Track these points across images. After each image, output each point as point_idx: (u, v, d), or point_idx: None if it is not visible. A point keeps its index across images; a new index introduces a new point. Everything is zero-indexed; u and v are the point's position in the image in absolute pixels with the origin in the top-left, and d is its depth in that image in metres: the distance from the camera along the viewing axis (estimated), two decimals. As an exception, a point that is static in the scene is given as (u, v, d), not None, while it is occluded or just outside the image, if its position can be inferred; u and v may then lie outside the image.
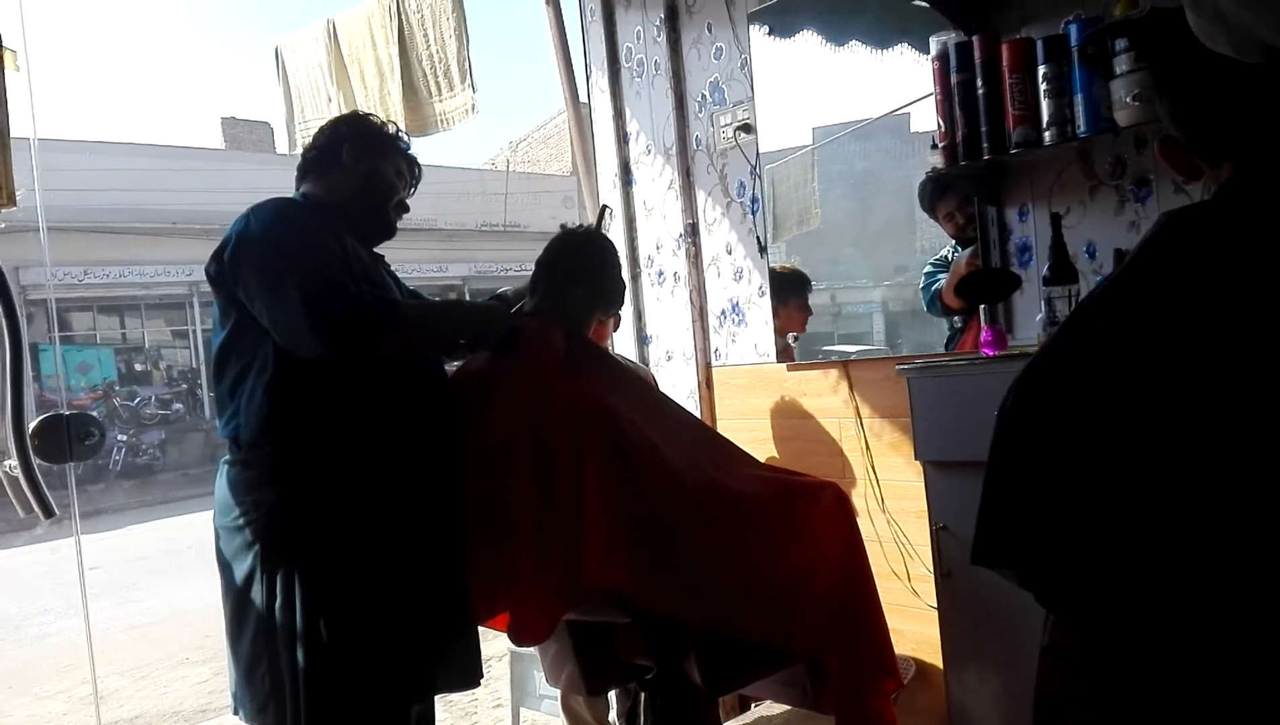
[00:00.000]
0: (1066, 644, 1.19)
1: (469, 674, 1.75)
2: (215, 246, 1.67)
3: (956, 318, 2.45)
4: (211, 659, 5.03)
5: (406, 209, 1.90)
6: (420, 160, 1.93)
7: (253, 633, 1.61)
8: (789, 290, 2.80)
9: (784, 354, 2.80)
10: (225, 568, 1.69)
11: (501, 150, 19.21)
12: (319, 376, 1.60)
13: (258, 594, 1.60)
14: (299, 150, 3.84)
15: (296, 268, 1.57)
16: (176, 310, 15.60)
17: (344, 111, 3.04)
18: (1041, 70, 2.04)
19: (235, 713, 1.70)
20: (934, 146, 2.23)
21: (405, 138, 1.93)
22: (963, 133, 2.15)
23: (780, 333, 2.80)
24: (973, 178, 2.27)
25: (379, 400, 1.67)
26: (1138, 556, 0.95)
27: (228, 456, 1.70)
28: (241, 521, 1.63)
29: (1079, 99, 2.00)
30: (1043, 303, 1.97)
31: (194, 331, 15.51)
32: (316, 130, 1.91)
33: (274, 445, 1.62)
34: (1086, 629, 1.03)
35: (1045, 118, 2.04)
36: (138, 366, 15.49)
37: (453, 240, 15.69)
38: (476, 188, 16.82)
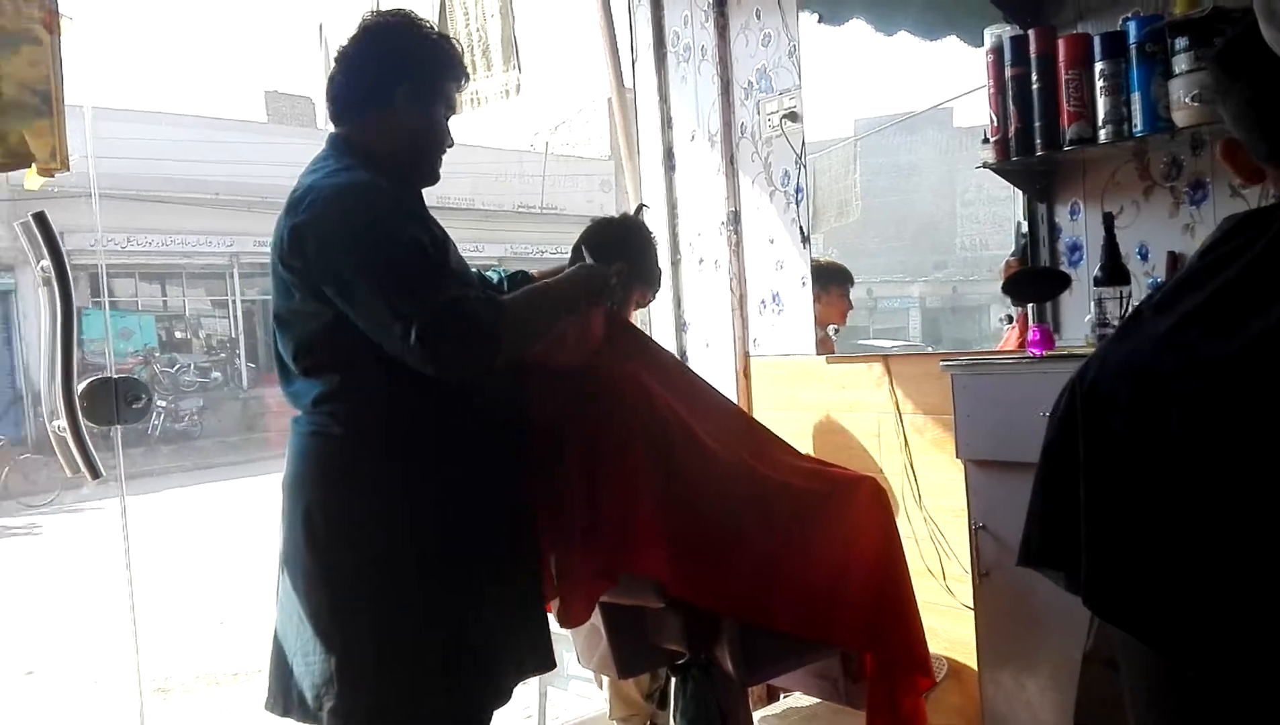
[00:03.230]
0: (1111, 650, 1.18)
1: (546, 659, 1.70)
2: (280, 229, 1.53)
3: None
4: (245, 622, 5.13)
5: (452, 144, 1.71)
6: (459, 141, 1.75)
7: (364, 620, 1.50)
8: (832, 278, 2.79)
9: (822, 345, 2.79)
10: (321, 546, 1.53)
11: (540, 132, 19.19)
12: None
13: (375, 578, 1.50)
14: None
15: (401, 290, 1.43)
16: (217, 280, 15.79)
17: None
18: (1099, 67, 2.01)
19: (286, 714, 1.59)
20: (985, 141, 2.20)
21: (457, 50, 1.71)
22: (1015, 127, 2.13)
23: (819, 321, 2.78)
24: (1024, 174, 2.24)
25: (479, 382, 1.58)
26: (1198, 569, 0.94)
27: (335, 430, 1.54)
28: (363, 500, 1.52)
29: (1136, 97, 1.97)
30: (1092, 304, 1.94)
31: (234, 301, 15.71)
32: (359, 40, 1.67)
33: (396, 426, 1.54)
34: (1139, 637, 1.02)
35: (1101, 115, 2.01)
36: (178, 334, 15.72)
37: (489, 220, 15.73)
38: (515, 169, 16.84)
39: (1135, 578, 1.01)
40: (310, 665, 1.53)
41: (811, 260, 2.80)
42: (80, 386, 2.10)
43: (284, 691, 1.58)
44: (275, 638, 1.62)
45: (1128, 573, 1.02)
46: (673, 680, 2.07)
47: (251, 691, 4.25)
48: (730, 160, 2.98)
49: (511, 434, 1.70)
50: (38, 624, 5.63)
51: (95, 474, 2.13)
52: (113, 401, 2.16)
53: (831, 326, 2.79)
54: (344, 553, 1.52)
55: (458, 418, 1.58)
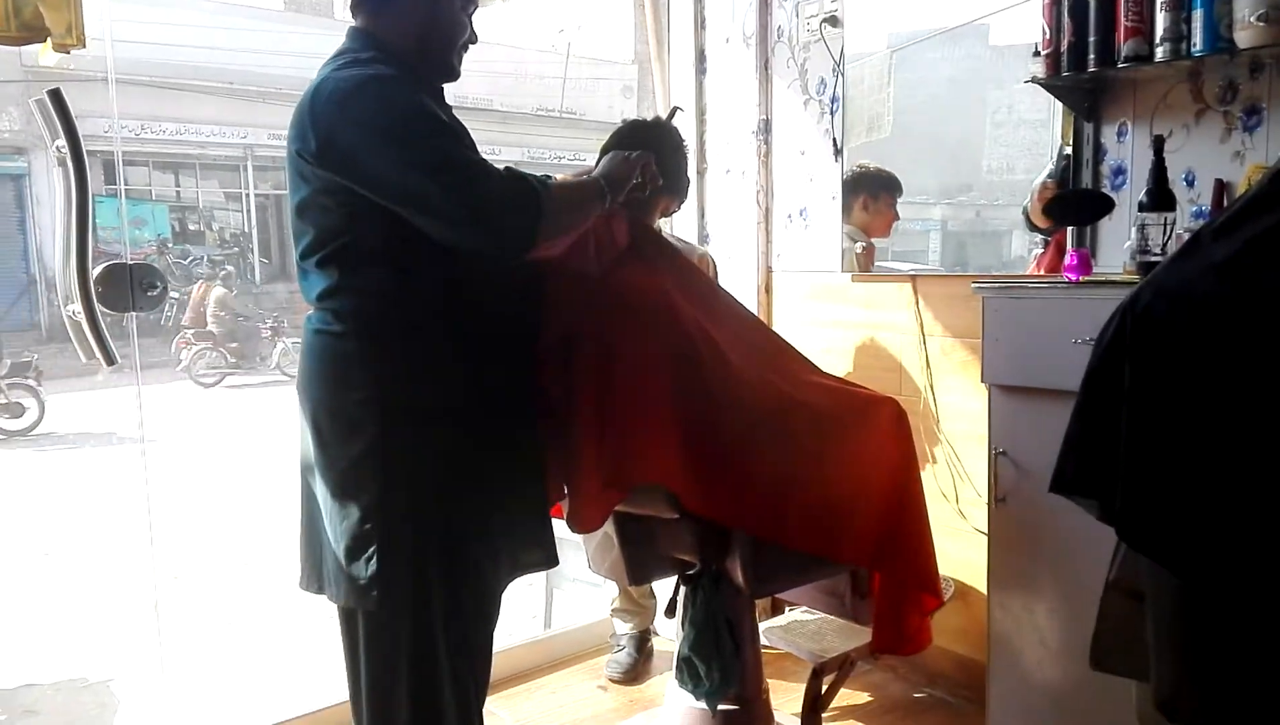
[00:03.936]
0: (1135, 581, 1.17)
1: (548, 556, 1.72)
2: (299, 121, 1.51)
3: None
4: (255, 513, 5.22)
5: (475, 40, 1.68)
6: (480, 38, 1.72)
7: (361, 513, 1.52)
8: (884, 186, 2.71)
9: (865, 257, 2.72)
10: (326, 442, 1.56)
11: (563, 30, 18.71)
12: (436, 257, 1.52)
13: (372, 472, 1.52)
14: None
15: (442, 164, 1.45)
16: (230, 172, 15.63)
17: None
18: (1162, -20, 1.91)
19: (319, 593, 1.63)
20: (1035, 54, 2.11)
21: None
22: (1069, 41, 2.03)
23: (865, 231, 2.72)
24: (1072, 91, 2.16)
25: (483, 282, 1.60)
26: (1240, 503, 0.91)
27: (336, 327, 1.55)
28: (361, 397, 1.53)
29: (1198, 14, 1.88)
30: (1134, 230, 1.88)
31: (247, 195, 15.56)
32: None
33: (395, 323, 1.54)
34: (1171, 569, 1.00)
35: (1159, 32, 1.92)
36: (190, 226, 15.63)
37: (507, 123, 15.43)
38: (535, 70, 16.46)
39: (1173, 508, 0.99)
40: (330, 550, 1.58)
41: (862, 164, 2.72)
42: (96, 271, 2.08)
43: (316, 572, 1.63)
44: (302, 522, 1.66)
45: (1165, 503, 1.00)
46: (682, 590, 2.09)
47: (260, 580, 4.34)
48: (765, 65, 2.88)
49: (521, 335, 1.69)
50: (54, 507, 5.74)
51: (110, 360, 2.11)
52: (128, 288, 2.14)
53: (860, 243, 2.72)
54: (345, 446, 1.55)
55: (462, 316, 1.58)
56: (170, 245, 14.69)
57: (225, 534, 5.09)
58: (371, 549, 1.52)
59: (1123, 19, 1.97)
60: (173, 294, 12.88)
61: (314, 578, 1.64)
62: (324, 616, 1.69)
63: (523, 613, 3.38)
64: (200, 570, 4.55)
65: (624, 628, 2.81)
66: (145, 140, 13.85)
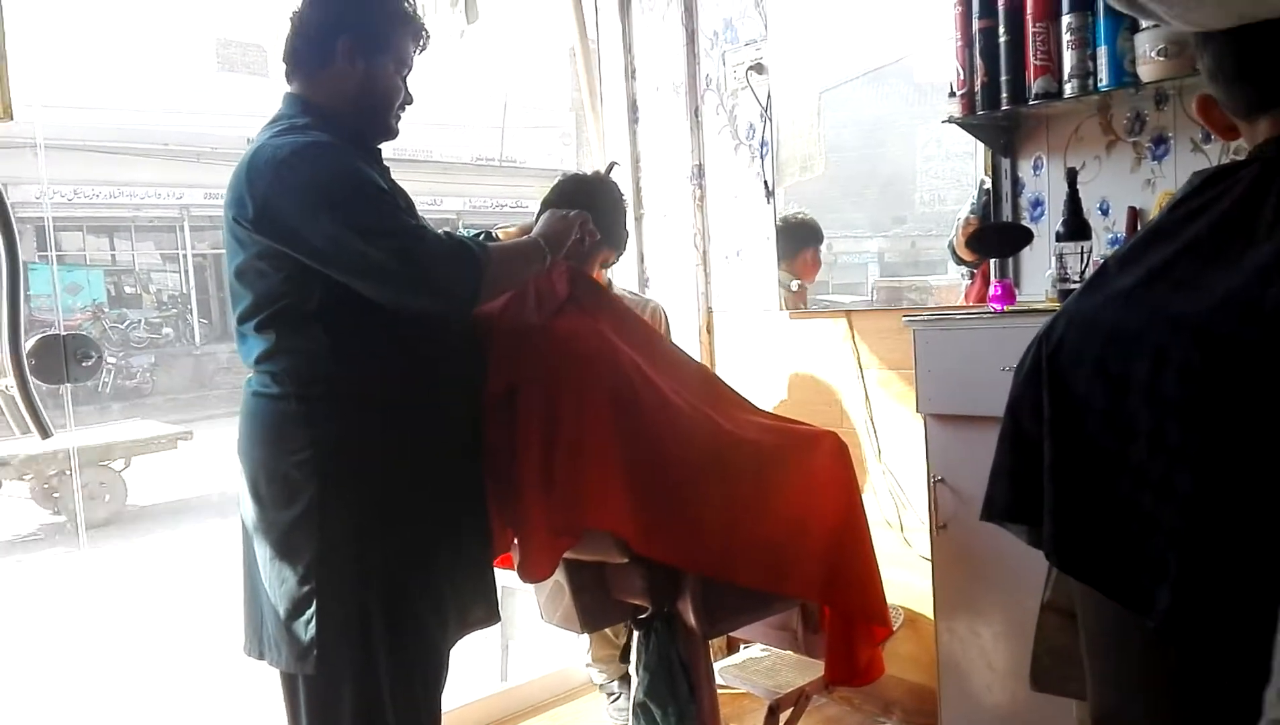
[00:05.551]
0: (1068, 601, 1.20)
1: (491, 612, 1.73)
2: (235, 188, 1.51)
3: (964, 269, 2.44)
4: (195, 577, 5.09)
5: (410, 101, 1.70)
6: (416, 90, 1.72)
7: (300, 576, 1.51)
8: (807, 238, 2.78)
9: (795, 298, 2.78)
10: (265, 504, 1.56)
11: (500, 82, 18.85)
12: (373, 317, 1.52)
13: (310, 534, 1.51)
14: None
15: (379, 227, 1.45)
16: (167, 233, 15.40)
17: None
18: (1066, 20, 2.00)
19: (260, 658, 1.61)
20: (951, 94, 2.19)
21: (410, 7, 1.66)
22: (982, 81, 2.12)
23: (795, 275, 2.78)
24: (989, 128, 2.24)
25: (422, 339, 1.60)
26: (1160, 525, 0.94)
27: (274, 390, 1.55)
28: (299, 458, 1.52)
29: (1102, 51, 1.97)
30: (1053, 259, 1.95)
31: (184, 256, 15.34)
32: (306, 5, 1.62)
33: (334, 384, 1.53)
34: (1100, 590, 1.03)
35: (1067, 69, 2.01)
36: (127, 289, 15.35)
37: (447, 173, 15.46)
38: (473, 120, 16.54)
39: (1098, 533, 1.02)
40: (270, 614, 1.56)
41: (784, 217, 2.78)
42: (28, 344, 2.04)
43: (257, 637, 1.61)
44: (245, 586, 1.64)
45: (1090, 528, 1.03)
46: (635, 634, 2.08)
47: (204, 644, 4.23)
48: (695, 113, 2.95)
49: (464, 390, 1.69)
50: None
51: (45, 434, 2.07)
52: (62, 359, 2.10)
53: (794, 282, 2.78)
54: (284, 508, 1.54)
55: (403, 375, 1.58)
56: (106, 310, 14.40)
57: (175, 602, 4.96)
58: (310, 611, 1.50)
59: (1032, 58, 2.06)
60: (110, 360, 12.61)
61: (255, 643, 1.62)
62: (270, 683, 1.66)
63: (479, 666, 3.33)
64: (146, 639, 4.42)
65: (602, 678, 2.77)
66: (78, 205, 13.61)
